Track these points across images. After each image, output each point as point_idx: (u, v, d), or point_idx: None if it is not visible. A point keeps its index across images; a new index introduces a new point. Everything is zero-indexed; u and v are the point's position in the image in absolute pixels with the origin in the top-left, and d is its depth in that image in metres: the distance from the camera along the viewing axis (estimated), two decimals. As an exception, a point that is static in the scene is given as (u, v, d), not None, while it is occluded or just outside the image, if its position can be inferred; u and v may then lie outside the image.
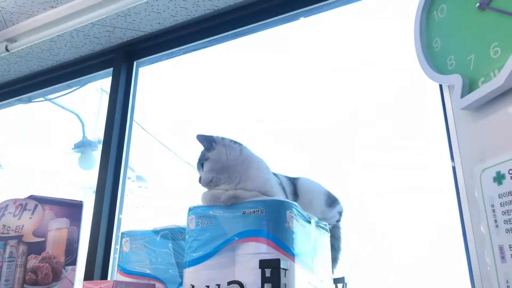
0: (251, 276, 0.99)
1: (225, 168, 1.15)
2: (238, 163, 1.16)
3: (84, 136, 2.55)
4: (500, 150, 0.98)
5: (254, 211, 1.05)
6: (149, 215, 2.09)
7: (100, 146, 2.40)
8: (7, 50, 2.18)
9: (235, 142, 1.21)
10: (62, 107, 2.62)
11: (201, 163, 1.17)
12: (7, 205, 1.81)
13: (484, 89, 1.01)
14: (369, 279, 1.44)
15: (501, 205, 0.94)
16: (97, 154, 2.45)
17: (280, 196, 1.16)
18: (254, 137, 1.80)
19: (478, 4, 1.06)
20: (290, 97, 1.92)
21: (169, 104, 2.28)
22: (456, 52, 1.13)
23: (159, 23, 2.08)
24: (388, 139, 1.63)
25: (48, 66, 2.44)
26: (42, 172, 2.49)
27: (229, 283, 1.00)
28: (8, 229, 1.75)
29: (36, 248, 1.68)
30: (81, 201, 1.74)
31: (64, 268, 1.63)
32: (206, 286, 1.03)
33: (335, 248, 1.33)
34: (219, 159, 1.16)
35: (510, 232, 0.91)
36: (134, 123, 2.18)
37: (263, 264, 0.95)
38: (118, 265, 1.37)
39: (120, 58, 2.21)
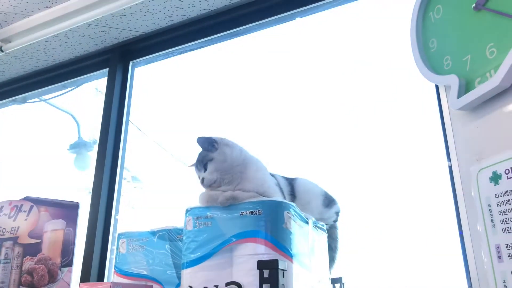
0: (249, 277, 0.99)
1: (228, 168, 1.15)
2: (240, 163, 1.17)
3: (79, 137, 2.54)
4: (497, 150, 0.98)
5: (251, 212, 1.05)
6: (144, 216, 2.09)
7: (95, 147, 2.40)
8: (1, 50, 2.17)
9: (234, 142, 1.22)
10: (57, 108, 2.61)
11: (203, 164, 1.17)
12: (2, 207, 1.80)
13: (480, 90, 1.01)
14: (366, 279, 1.44)
15: (498, 204, 0.94)
16: (92, 154, 2.44)
17: (278, 197, 1.16)
18: (250, 137, 1.80)
19: (474, 4, 1.06)
20: (286, 97, 1.92)
21: (165, 104, 2.27)
22: (452, 52, 1.13)
23: (154, 24, 2.08)
24: (384, 139, 1.64)
25: (43, 66, 2.43)
26: (37, 173, 2.47)
27: (227, 284, 1.00)
28: (4, 230, 1.74)
29: (32, 249, 1.67)
30: (77, 202, 1.73)
31: (60, 270, 1.62)
32: (204, 287, 1.03)
33: (332, 248, 1.34)
34: (225, 159, 1.16)
35: (507, 231, 0.92)
36: (129, 123, 2.17)
37: (261, 265, 0.95)
38: (115, 266, 1.37)
39: (116, 59, 2.20)
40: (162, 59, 2.22)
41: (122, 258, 1.36)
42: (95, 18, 1.98)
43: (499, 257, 0.93)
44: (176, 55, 2.18)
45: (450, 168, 1.19)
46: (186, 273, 1.07)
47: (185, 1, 1.92)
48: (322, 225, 1.27)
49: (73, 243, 1.66)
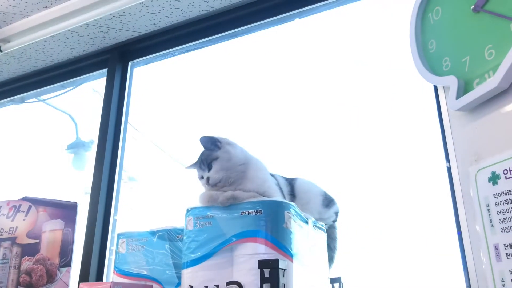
0: (249, 276, 0.99)
1: (232, 167, 1.16)
2: (242, 162, 1.17)
3: (77, 137, 2.54)
4: (495, 150, 0.99)
5: (252, 212, 1.05)
6: (141, 216, 2.08)
7: (93, 147, 2.40)
8: (0, 50, 2.16)
9: (235, 142, 1.22)
10: (55, 108, 2.61)
11: (207, 163, 1.17)
12: (0, 207, 1.80)
13: (479, 91, 1.02)
14: (365, 278, 1.45)
15: (496, 204, 0.95)
16: (90, 154, 2.44)
17: (278, 197, 1.16)
18: (250, 137, 1.81)
19: (472, 6, 1.07)
20: (285, 98, 1.92)
21: (163, 105, 2.27)
22: (451, 53, 1.14)
23: (154, 24, 2.08)
24: (383, 139, 1.65)
25: (41, 66, 2.43)
26: (35, 173, 2.47)
27: (228, 283, 1.00)
28: (2, 230, 1.74)
29: (30, 249, 1.67)
30: (76, 202, 1.73)
31: (59, 270, 1.62)
32: (205, 286, 1.03)
33: (331, 248, 1.34)
34: (229, 158, 1.17)
35: (505, 231, 0.92)
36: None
37: (262, 264, 0.96)
38: (114, 266, 1.37)
39: (115, 59, 2.20)
40: (161, 60, 2.22)
41: (121, 258, 1.36)
42: (94, 19, 1.98)
43: (498, 256, 0.94)
44: (175, 55, 2.18)
45: (449, 168, 1.19)
46: (187, 273, 1.07)
47: (184, 2, 1.92)
48: (322, 225, 1.28)
49: (72, 243, 1.66)
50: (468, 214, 1.07)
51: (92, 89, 2.46)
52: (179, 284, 1.20)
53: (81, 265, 1.85)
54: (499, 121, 1.01)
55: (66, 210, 1.71)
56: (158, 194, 2.10)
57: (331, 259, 1.33)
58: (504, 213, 0.93)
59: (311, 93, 1.87)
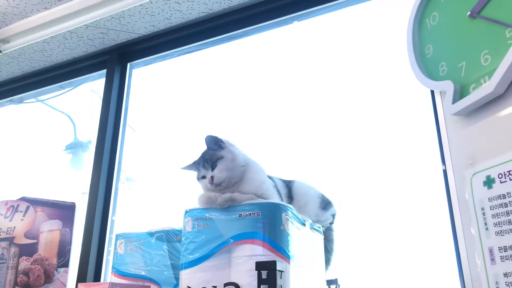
0: (247, 277, 1.00)
1: (235, 168, 1.17)
2: (243, 164, 1.19)
3: (75, 137, 2.54)
4: (490, 154, 1.00)
5: (250, 214, 1.06)
6: (140, 217, 2.09)
7: (91, 147, 2.40)
8: (-1, 51, 2.17)
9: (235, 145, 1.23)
10: (54, 108, 2.61)
11: (212, 163, 1.17)
12: (-2, 207, 1.80)
13: (474, 96, 1.03)
14: (361, 280, 1.46)
15: (491, 208, 0.97)
16: (87, 155, 2.44)
17: (276, 199, 1.17)
18: (248, 139, 1.82)
19: (469, 12, 1.09)
20: (283, 100, 1.93)
21: (162, 106, 2.28)
22: (448, 59, 1.15)
23: (153, 26, 2.09)
24: (381, 143, 1.66)
25: (40, 67, 2.43)
26: (33, 174, 2.47)
27: (226, 284, 1.01)
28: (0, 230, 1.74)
29: (28, 250, 1.67)
30: (74, 203, 1.73)
31: (57, 270, 1.63)
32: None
33: (328, 250, 1.35)
34: (233, 158, 1.18)
35: (500, 234, 0.94)
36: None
37: (260, 266, 0.97)
38: (112, 267, 1.37)
39: (114, 60, 2.21)
40: (160, 61, 2.23)
41: (120, 258, 1.36)
42: (93, 20, 1.98)
43: (492, 259, 0.95)
44: (174, 57, 2.19)
45: (445, 171, 1.21)
46: (185, 274, 1.08)
47: (184, 4, 1.93)
48: (319, 227, 1.29)
49: (70, 243, 1.66)
50: (464, 217, 1.09)
51: (91, 90, 2.47)
52: (177, 285, 1.21)
53: (79, 265, 1.85)
54: (494, 125, 1.02)
55: (64, 211, 1.71)
56: (157, 195, 2.11)
57: (328, 261, 1.34)
58: (498, 216, 0.94)
59: (308, 95, 1.88)
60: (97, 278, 1.85)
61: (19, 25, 2.07)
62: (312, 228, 1.24)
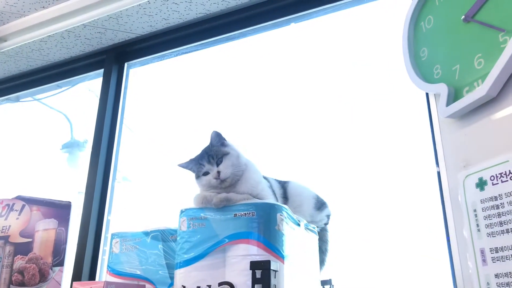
0: (241, 277, 1.01)
1: (239, 165, 1.17)
2: (244, 163, 1.20)
3: (72, 137, 2.54)
4: (483, 157, 1.01)
5: (245, 214, 1.07)
6: (136, 217, 2.09)
7: (87, 147, 2.40)
8: (-4, 49, 2.17)
9: None
10: (51, 107, 2.61)
11: (217, 158, 1.17)
12: (-6, 205, 1.79)
13: (468, 98, 1.04)
14: (356, 281, 1.47)
15: (483, 210, 0.98)
16: (84, 154, 2.44)
17: (271, 199, 1.18)
18: (244, 139, 1.82)
19: (463, 16, 1.10)
20: (280, 101, 1.94)
21: (159, 105, 2.28)
22: (442, 62, 1.17)
23: (150, 26, 2.09)
24: (376, 144, 1.67)
25: (37, 66, 2.43)
26: (29, 172, 2.47)
27: (220, 284, 1.01)
28: (-5, 229, 1.74)
29: (23, 248, 1.67)
30: (69, 202, 1.74)
31: (52, 269, 1.63)
32: (197, 287, 1.04)
33: (322, 250, 1.36)
34: (238, 155, 1.19)
35: (491, 236, 0.95)
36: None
37: (254, 265, 0.97)
38: (108, 266, 1.38)
39: (111, 60, 2.21)
40: (158, 61, 2.23)
41: (115, 257, 1.37)
42: (91, 20, 1.99)
43: (484, 260, 0.96)
44: (172, 57, 2.19)
45: (439, 173, 1.22)
46: (180, 273, 1.09)
47: (182, 5, 1.94)
48: (313, 228, 1.30)
49: (65, 242, 1.66)
50: (456, 218, 1.10)
51: (87, 89, 2.47)
52: (171, 284, 1.21)
53: (74, 264, 1.86)
54: (487, 128, 1.03)
55: (60, 210, 1.72)
56: (153, 194, 2.11)
57: (322, 262, 1.35)
58: (490, 218, 0.95)
59: (303, 96, 1.89)
60: (92, 277, 1.85)
61: (16, 24, 2.07)
62: (306, 228, 1.24)
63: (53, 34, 2.12)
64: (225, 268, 1.05)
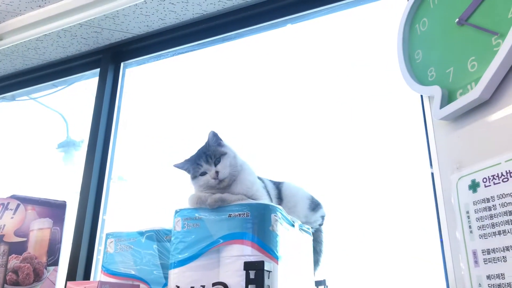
0: (235, 277, 1.01)
1: (236, 165, 1.18)
2: (240, 164, 1.20)
3: (68, 136, 2.53)
4: (476, 159, 1.02)
5: (239, 214, 1.07)
6: (131, 216, 2.09)
7: (83, 146, 2.40)
8: (-8, 48, 2.17)
9: None
10: (46, 107, 2.61)
11: (215, 158, 1.16)
12: (-12, 205, 1.79)
13: (461, 101, 1.05)
14: (350, 282, 1.47)
15: (476, 211, 0.98)
16: (79, 154, 2.44)
17: (265, 200, 1.18)
18: (240, 140, 1.83)
19: (457, 19, 1.11)
20: (275, 101, 1.95)
21: (155, 105, 2.28)
22: (436, 64, 1.17)
23: (147, 26, 2.09)
24: (372, 145, 1.67)
25: (33, 65, 2.43)
26: (25, 171, 2.46)
27: (214, 284, 1.02)
28: (-11, 228, 1.74)
29: (18, 248, 1.67)
30: (64, 201, 1.73)
31: (46, 269, 1.62)
32: (191, 287, 1.05)
33: (317, 251, 1.36)
34: (235, 156, 1.19)
35: (483, 238, 0.95)
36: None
37: (248, 266, 0.98)
38: (102, 266, 1.37)
39: (107, 59, 2.21)
40: (154, 61, 2.23)
41: (109, 257, 1.37)
42: (87, 19, 1.99)
43: (476, 262, 0.97)
44: (168, 57, 2.20)
45: (432, 175, 1.22)
46: (174, 273, 1.09)
47: (178, 5, 1.94)
48: (308, 228, 1.30)
49: (60, 242, 1.66)
50: (449, 220, 1.10)
51: (84, 88, 2.47)
52: (166, 284, 1.22)
53: (68, 264, 1.85)
54: (480, 131, 1.04)
55: (55, 209, 1.71)
56: (148, 194, 2.11)
57: (316, 262, 1.35)
58: (482, 220, 0.96)
59: (299, 98, 1.90)
60: (86, 277, 1.85)
61: (12, 23, 2.07)
62: (301, 229, 1.25)
63: (49, 33, 2.12)
64: (219, 269, 1.05)
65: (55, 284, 1.60)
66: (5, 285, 1.61)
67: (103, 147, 2.08)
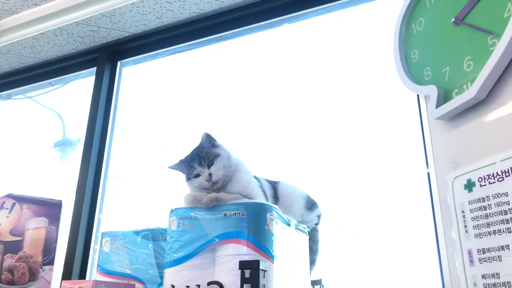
0: (230, 276, 1.01)
1: (230, 166, 1.17)
2: (235, 163, 1.20)
3: (64, 135, 2.53)
4: (471, 158, 1.02)
5: (235, 213, 1.07)
6: (127, 215, 2.09)
7: (79, 145, 2.39)
8: (-12, 46, 2.16)
9: None
10: (43, 105, 2.60)
11: (208, 160, 1.16)
12: (-16, 203, 1.78)
13: (457, 100, 1.05)
14: (346, 281, 1.48)
15: (471, 211, 0.99)
16: (76, 152, 2.43)
17: (261, 199, 1.18)
18: (236, 139, 1.83)
19: (453, 19, 1.11)
20: (272, 101, 1.95)
21: (152, 104, 2.28)
22: (433, 64, 1.17)
23: (144, 25, 2.09)
24: (368, 144, 1.67)
25: (29, 63, 2.42)
26: (20, 170, 2.45)
27: (209, 283, 1.02)
28: (-16, 227, 1.73)
29: (13, 247, 1.66)
30: (60, 200, 1.73)
31: (41, 268, 1.62)
32: (186, 286, 1.05)
33: (313, 250, 1.36)
34: (229, 157, 1.18)
35: (479, 237, 0.96)
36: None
37: (243, 265, 0.98)
38: (98, 265, 1.37)
39: (104, 58, 2.21)
40: (151, 60, 2.23)
41: (105, 256, 1.36)
42: (84, 17, 1.98)
43: (471, 261, 0.97)
44: (165, 56, 2.19)
45: (428, 174, 1.23)
46: (169, 272, 1.09)
47: (175, 4, 1.94)
48: (304, 228, 1.30)
49: (55, 241, 1.66)
50: (445, 220, 1.11)
51: (80, 87, 2.46)
52: (161, 283, 1.21)
53: (64, 263, 1.85)
54: (476, 130, 1.04)
55: (51, 208, 1.71)
56: (144, 193, 2.11)
57: (312, 262, 1.35)
58: (477, 219, 0.96)
59: (295, 97, 1.90)
60: (82, 276, 1.84)
61: (8, 21, 2.06)
62: (297, 228, 1.25)
63: (46, 32, 2.11)
64: (215, 268, 1.05)
65: (50, 284, 1.60)
66: (1, 284, 1.60)
67: (99, 146, 2.07)
